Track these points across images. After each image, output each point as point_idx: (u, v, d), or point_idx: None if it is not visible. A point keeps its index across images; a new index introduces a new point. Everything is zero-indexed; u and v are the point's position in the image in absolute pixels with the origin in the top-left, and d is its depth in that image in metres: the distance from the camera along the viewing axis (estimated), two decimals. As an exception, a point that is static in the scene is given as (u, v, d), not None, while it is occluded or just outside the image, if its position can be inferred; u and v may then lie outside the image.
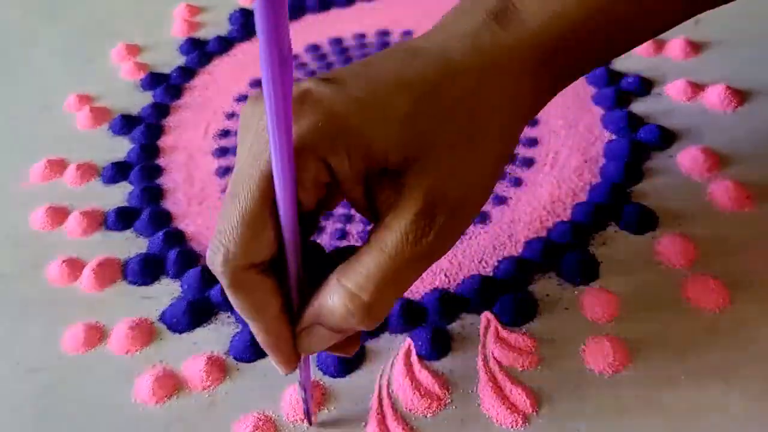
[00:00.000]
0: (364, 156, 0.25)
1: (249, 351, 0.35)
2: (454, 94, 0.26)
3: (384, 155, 0.25)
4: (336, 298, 0.25)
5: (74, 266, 0.40)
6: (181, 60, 0.56)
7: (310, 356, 0.30)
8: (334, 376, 0.34)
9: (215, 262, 0.25)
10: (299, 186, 0.24)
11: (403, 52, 0.27)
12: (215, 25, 0.59)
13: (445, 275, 0.38)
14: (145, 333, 0.36)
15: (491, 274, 0.37)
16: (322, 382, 0.33)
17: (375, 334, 0.35)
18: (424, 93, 0.26)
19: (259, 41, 0.19)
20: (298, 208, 0.24)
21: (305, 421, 0.32)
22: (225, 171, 0.46)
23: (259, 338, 0.27)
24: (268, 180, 0.24)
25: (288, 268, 0.26)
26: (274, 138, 0.22)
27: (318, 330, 0.26)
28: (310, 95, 0.25)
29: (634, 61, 0.50)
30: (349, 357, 0.32)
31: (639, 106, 0.46)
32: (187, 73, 0.54)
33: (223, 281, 0.25)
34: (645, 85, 0.47)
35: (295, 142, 0.23)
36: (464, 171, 0.26)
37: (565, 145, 0.44)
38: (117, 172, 0.46)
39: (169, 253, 0.40)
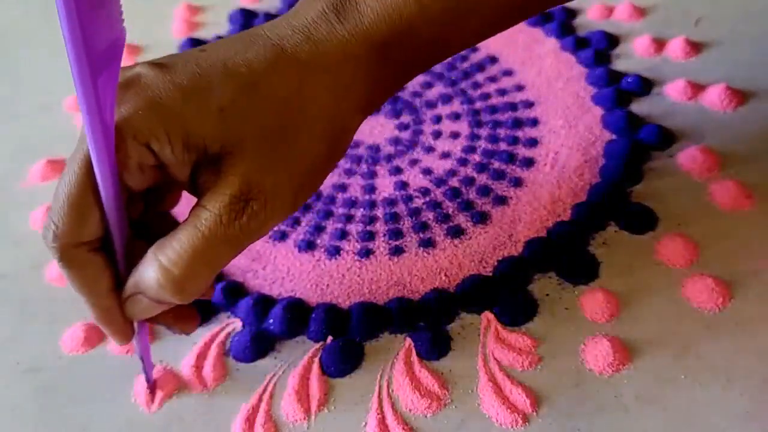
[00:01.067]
0: (185, 142, 0.26)
1: (249, 351, 0.35)
2: (276, 86, 0.27)
3: (202, 142, 0.26)
4: (150, 271, 0.26)
5: (74, 266, 0.40)
6: (181, 60, 0.56)
7: (147, 328, 0.32)
8: (334, 376, 0.34)
9: (47, 238, 0.27)
10: (124, 169, 0.26)
11: (244, 38, 0.28)
12: (215, 25, 0.59)
13: (445, 275, 0.38)
14: (145, 333, 0.36)
15: (491, 274, 0.37)
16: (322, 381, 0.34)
17: (375, 334, 0.35)
18: (247, 83, 0.26)
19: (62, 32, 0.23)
20: (125, 190, 0.27)
21: (148, 389, 0.33)
22: (225, 171, 0.46)
23: (91, 312, 0.29)
24: (90, 163, 0.25)
25: (114, 245, 0.28)
26: (87, 124, 0.24)
27: (140, 299, 0.28)
28: (138, 80, 0.26)
29: (634, 61, 0.50)
30: (187, 335, 0.34)
31: (639, 106, 0.46)
32: (187, 73, 0.54)
33: (54, 256, 0.27)
34: (645, 85, 0.47)
35: (117, 126, 0.25)
36: (279, 164, 0.27)
37: (565, 145, 0.44)
38: (117, 172, 0.46)
39: (169, 253, 0.40)
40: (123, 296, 0.28)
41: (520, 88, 0.49)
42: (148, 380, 0.33)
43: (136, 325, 0.30)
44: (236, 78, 0.26)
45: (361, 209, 0.42)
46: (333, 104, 0.28)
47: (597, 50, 0.50)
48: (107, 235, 0.27)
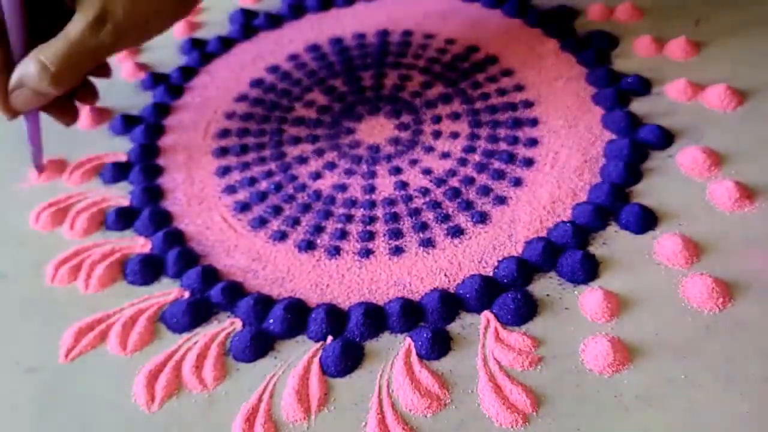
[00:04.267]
0: None
1: (249, 351, 0.35)
2: None
3: None
4: (32, 66, 0.37)
5: (74, 266, 0.40)
6: (181, 60, 0.56)
7: (37, 117, 0.43)
8: (334, 376, 0.34)
9: None
10: None
11: None
12: (215, 25, 0.59)
13: (445, 275, 0.38)
14: (145, 333, 0.36)
15: (491, 274, 0.37)
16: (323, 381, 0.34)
17: (375, 334, 0.35)
18: None
19: None
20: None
21: (36, 170, 0.46)
22: (225, 171, 0.46)
23: None
24: None
25: (10, 38, 0.38)
26: None
27: (24, 90, 0.38)
28: None
29: (634, 61, 0.50)
30: (67, 126, 0.45)
31: (639, 106, 0.46)
32: (187, 73, 0.54)
33: None
34: (645, 85, 0.47)
35: None
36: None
37: (565, 145, 0.44)
38: (117, 172, 0.46)
39: (169, 253, 0.40)
40: (10, 87, 0.38)
41: (520, 88, 0.49)
42: (36, 165, 0.45)
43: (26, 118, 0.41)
44: None
45: (361, 209, 0.42)
46: None
47: (597, 50, 0.50)
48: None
